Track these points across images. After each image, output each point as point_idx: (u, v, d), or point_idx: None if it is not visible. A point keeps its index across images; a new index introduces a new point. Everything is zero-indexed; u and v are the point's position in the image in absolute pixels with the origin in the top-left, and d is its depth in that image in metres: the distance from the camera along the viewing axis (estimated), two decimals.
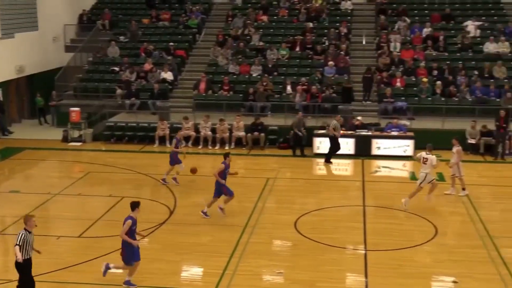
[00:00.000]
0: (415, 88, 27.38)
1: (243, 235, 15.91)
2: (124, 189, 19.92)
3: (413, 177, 21.43)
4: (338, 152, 23.67)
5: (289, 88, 27.67)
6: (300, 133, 24.09)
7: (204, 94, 27.96)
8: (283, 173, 21.93)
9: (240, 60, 29.82)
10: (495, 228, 16.39)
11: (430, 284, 13.45)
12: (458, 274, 13.69)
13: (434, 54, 29.40)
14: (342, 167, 23.25)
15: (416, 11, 32.96)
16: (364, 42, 31.22)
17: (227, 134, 25.09)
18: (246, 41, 31.16)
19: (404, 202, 17.89)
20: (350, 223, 16.95)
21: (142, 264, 13.12)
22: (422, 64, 28.46)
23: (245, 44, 30.84)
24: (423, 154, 18.29)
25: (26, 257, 11.74)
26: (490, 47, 29.19)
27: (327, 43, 30.56)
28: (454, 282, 13.38)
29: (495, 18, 31.96)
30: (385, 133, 24.33)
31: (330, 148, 23.35)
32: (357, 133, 24.23)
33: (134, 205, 12.99)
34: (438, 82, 27.02)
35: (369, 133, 24.41)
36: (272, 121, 26.25)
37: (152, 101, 27.59)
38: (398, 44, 29.83)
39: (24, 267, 11.81)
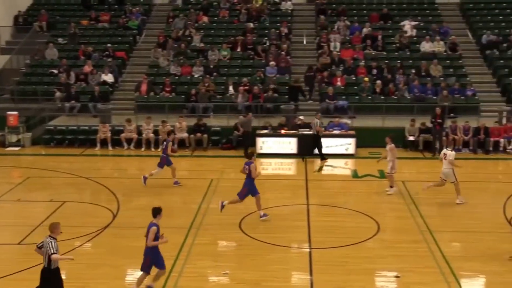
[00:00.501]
0: (355, 87, 27.82)
1: (188, 237, 15.84)
2: (66, 193, 19.57)
3: (355, 175, 21.77)
4: (282, 152, 23.87)
5: (231, 88, 27.70)
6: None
7: (145, 96, 27.71)
8: (227, 174, 21.92)
9: (181, 61, 29.68)
10: (434, 223, 16.80)
11: (374, 280, 13.67)
12: (400, 268, 13.96)
13: (373, 53, 29.93)
14: (285, 166, 23.42)
15: (355, 11, 33.51)
16: (304, 42, 31.53)
17: None
18: (187, 42, 31.04)
19: (459, 200, 18.24)
20: (294, 222, 17.08)
21: (86, 269, 12.91)
22: (362, 63, 28.95)
23: (186, 45, 30.72)
24: (444, 150, 18.73)
25: (55, 266, 11.37)
26: (426, 46, 29.91)
27: (268, 43, 30.73)
28: (397, 276, 13.65)
29: (430, 18, 32.80)
30: (327, 132, 24.61)
31: (318, 147, 23.53)
32: (300, 133, 24.42)
33: (156, 211, 12.49)
34: (378, 81, 27.52)
35: (311, 132, 24.62)
36: (215, 122, 26.23)
37: (92, 104, 27.17)
38: (338, 44, 30.24)
39: (54, 276, 11.43)
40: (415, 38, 30.89)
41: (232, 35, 31.60)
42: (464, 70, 29.13)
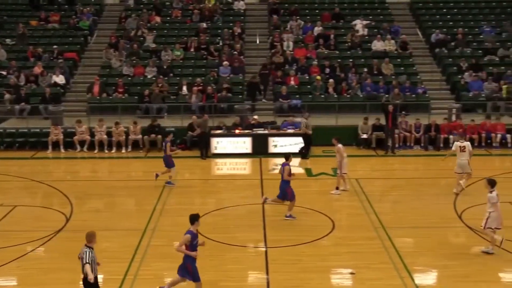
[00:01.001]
0: (308, 86, 28.02)
1: (143, 239, 15.71)
2: (17, 197, 19.20)
3: (310, 173, 21.92)
4: (237, 151, 23.90)
5: (184, 89, 27.59)
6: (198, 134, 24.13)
7: (98, 97, 27.37)
8: (182, 175, 21.81)
9: (134, 61, 29.42)
10: (388, 219, 17.04)
11: (329, 277, 13.78)
12: (355, 265, 14.10)
13: (325, 52, 30.19)
14: (240, 166, 23.44)
15: (307, 11, 33.75)
16: (258, 42, 31.61)
17: (123, 137, 24.67)
18: (140, 42, 30.78)
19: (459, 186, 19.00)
20: (250, 221, 17.10)
21: (39, 274, 12.68)
22: (315, 62, 29.18)
23: (138, 46, 30.46)
24: (457, 144, 19.10)
25: (94, 275, 11.18)
26: (377, 45, 30.32)
27: (221, 43, 30.72)
28: (352, 273, 13.79)
29: (381, 17, 33.28)
30: (281, 131, 24.72)
31: (305, 145, 23.72)
32: (254, 132, 24.48)
33: (194, 218, 12.21)
34: (331, 80, 27.78)
35: (266, 131, 24.72)
36: (169, 122, 26.07)
37: (43, 106, 26.70)
38: (291, 43, 30.43)
39: (93, 286, 11.25)
40: (366, 37, 31.28)
41: (185, 35, 31.48)
42: (414, 68, 29.65)
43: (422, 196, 18.96)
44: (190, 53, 30.34)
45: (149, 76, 28.61)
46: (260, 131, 24.58)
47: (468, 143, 19.40)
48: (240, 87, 28.30)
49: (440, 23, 32.74)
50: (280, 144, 24.27)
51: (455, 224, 16.76)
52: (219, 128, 24.74)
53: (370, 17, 33.00)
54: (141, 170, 22.72)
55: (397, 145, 24.66)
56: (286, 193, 17.00)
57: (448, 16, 33.53)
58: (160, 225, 16.73)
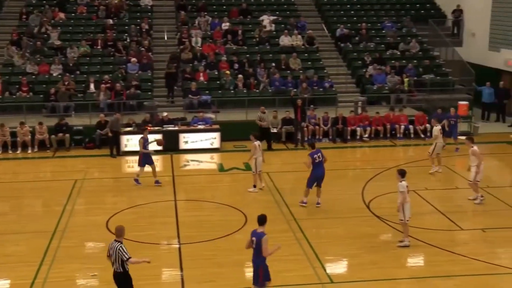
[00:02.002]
0: (218, 82, 28.10)
1: (52, 241, 15.35)
2: None
3: (221, 168, 22.03)
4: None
5: (92, 86, 27.04)
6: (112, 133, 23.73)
7: (0, 97, 26.40)
8: (91, 174, 21.44)
9: (38, 59, 28.55)
10: (299, 211, 17.40)
11: (244, 271, 13.92)
12: (268, 258, 14.22)
13: (234, 48, 30.35)
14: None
15: (214, 7, 33.77)
16: (166, 38, 31.37)
17: (29, 137, 23.91)
18: (43, 39, 29.90)
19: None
20: (163, 218, 17.04)
21: None
22: (224, 58, 29.28)
23: (42, 43, 29.57)
24: (437, 128, 21.00)
25: (127, 270, 11.28)
26: (285, 40, 30.76)
27: (128, 40, 30.30)
28: None
29: (288, 13, 33.75)
30: (191, 127, 24.70)
31: (264, 139, 23.56)
32: (164, 129, 24.32)
33: (265, 219, 11.93)
34: (240, 75, 27.97)
35: (176, 127, 24.62)
36: (77, 121, 25.50)
37: None
38: (199, 39, 30.38)
39: (129, 279, 11.36)
40: (274, 33, 31.66)
41: (91, 31, 30.83)
42: (321, 62, 30.29)
43: (331, 188, 19.40)
44: (97, 50, 29.74)
45: (54, 74, 27.83)
46: (171, 127, 24.46)
47: (436, 128, 21.06)
48: (149, 83, 28.02)
49: (344, 18, 33.59)
50: (191, 140, 24.25)
51: (363, 214, 17.31)
52: (128, 125, 24.41)
53: (277, 12, 33.42)
54: (49, 171, 22.14)
55: (306, 138, 25.14)
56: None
57: (352, 12, 34.44)
58: (70, 226, 16.40)
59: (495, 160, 23.10)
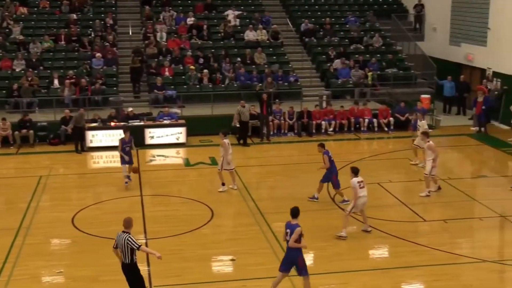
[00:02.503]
0: (183, 77, 28.06)
1: (17, 238, 15.24)
2: None
3: (187, 163, 22.06)
4: (113, 144, 23.55)
5: (56, 82, 26.78)
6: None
7: None
8: (56, 170, 21.29)
9: (0, 54, 28.16)
10: (265, 205, 17.53)
11: (211, 265, 14.04)
12: (235, 252, 14.44)
13: (199, 42, 30.33)
14: (117, 159, 23.03)
15: (179, 1, 33.69)
16: (130, 33, 31.19)
17: None
18: (5, 34, 29.48)
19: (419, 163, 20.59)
20: (129, 214, 16.78)
21: None
22: (189, 53, 29.24)
23: (4, 38, 29.16)
24: (424, 122, 21.12)
25: (135, 261, 11.44)
26: (250, 35, 30.83)
27: (93, 35, 30.06)
28: (232, 260, 14.12)
29: (252, 7, 33.85)
30: (157, 122, 24.65)
31: (242, 133, 24.02)
32: (130, 124, 24.21)
33: (297, 212, 12.35)
34: (205, 70, 27.98)
35: (142, 123, 24.55)
36: (41, 117, 25.23)
37: None
38: (164, 34, 30.29)
39: (137, 270, 11.57)
40: (239, 27, 31.72)
41: (54, 26, 30.49)
42: (286, 57, 30.45)
43: (297, 181, 19.63)
44: (61, 45, 29.43)
45: (17, 70, 27.47)
46: (136, 123, 24.38)
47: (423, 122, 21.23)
48: (114, 79, 27.87)
49: (309, 13, 33.80)
50: (157, 135, 24.22)
51: (329, 207, 17.53)
52: (94, 121, 24.28)
53: (242, 7, 33.47)
54: (12, 167, 21.91)
55: (271, 133, 25.29)
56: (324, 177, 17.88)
57: (316, 7, 34.66)
58: (35, 223, 16.29)
59: (456, 152, 23.56)
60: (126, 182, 18.98)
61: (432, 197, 18.36)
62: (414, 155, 21.28)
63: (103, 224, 16.20)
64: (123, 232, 11.41)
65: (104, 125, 24.11)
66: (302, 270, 12.15)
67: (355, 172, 15.26)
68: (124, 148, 19.07)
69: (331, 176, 17.67)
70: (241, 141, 24.26)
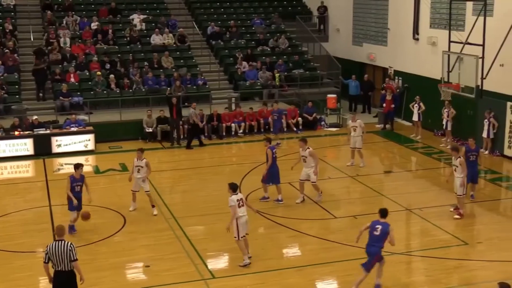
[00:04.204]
0: (90, 82, 27.51)
1: None
2: None
3: (97, 170, 21.66)
4: (18, 154, 22.91)
5: None
6: None
7: None
8: None
9: None
10: (178, 209, 17.49)
11: (125, 273, 13.86)
12: (149, 258, 14.32)
13: (105, 47, 29.82)
14: (21, 169, 22.42)
15: (82, 6, 33.02)
16: (32, 39, 30.25)
17: None
18: None
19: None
20: (38, 225, 16.53)
21: None
22: (95, 58, 28.69)
23: None
24: (350, 124, 21.22)
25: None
26: (156, 39, 30.60)
27: None
28: (146, 266, 13.99)
29: (158, 11, 33.62)
30: (64, 130, 24.07)
31: (190, 135, 24.08)
32: (35, 133, 23.54)
33: (387, 212, 12.77)
34: (112, 75, 27.55)
35: (48, 131, 23.90)
36: None
37: None
38: (68, 40, 29.58)
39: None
40: (145, 31, 31.42)
41: None
42: (193, 60, 30.43)
43: (209, 184, 19.67)
44: None
45: None
46: (42, 131, 23.70)
47: (360, 121, 21.39)
48: (16, 86, 26.97)
49: (215, 16, 33.94)
50: (64, 143, 23.64)
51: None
52: None
53: (147, 11, 33.17)
54: None
55: (182, 137, 25.21)
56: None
57: (222, 10, 34.84)
58: None
59: (363, 149, 24.23)
60: (72, 231, 15.86)
61: (342, 194, 18.88)
62: (361, 157, 21.47)
63: (10, 237, 15.70)
64: (58, 241, 11.00)
65: (7, 135, 23.29)
66: (370, 265, 12.66)
67: (233, 188, 13.76)
68: (73, 188, 15.78)
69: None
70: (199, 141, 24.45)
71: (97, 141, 24.01)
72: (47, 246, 11.06)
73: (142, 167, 17.11)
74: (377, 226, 12.55)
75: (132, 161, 17.63)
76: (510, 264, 14.05)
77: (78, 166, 15.94)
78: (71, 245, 10.97)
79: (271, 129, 26.46)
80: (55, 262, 11.00)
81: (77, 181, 15.79)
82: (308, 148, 17.73)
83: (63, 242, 11.00)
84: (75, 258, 10.98)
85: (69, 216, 15.86)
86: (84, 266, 13.66)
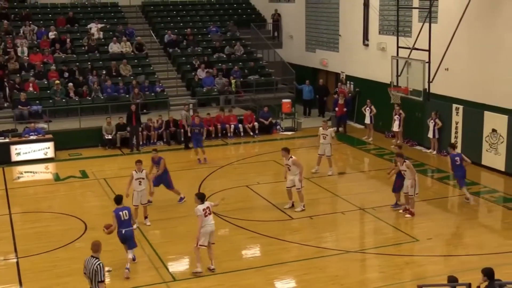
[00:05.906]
0: (48, 91, 27.61)
1: None
2: None
3: (57, 178, 21.81)
4: None
5: None
6: None
7: None
8: None
9: None
10: (139, 214, 17.58)
11: (85, 279, 14.06)
12: (111, 263, 14.47)
13: (63, 56, 29.91)
14: None
15: (40, 15, 33.05)
16: None
17: None
18: None
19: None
20: None
21: None
22: (53, 67, 28.78)
23: None
24: (320, 130, 21.18)
25: None
26: (114, 48, 30.83)
27: None
28: (109, 271, 14.20)
29: (115, 20, 33.83)
30: (23, 138, 24.16)
31: (185, 137, 24.55)
32: None
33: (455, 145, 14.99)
34: (70, 84, 27.70)
35: (7, 139, 23.96)
36: None
37: None
38: (25, 49, 29.62)
39: None
40: (103, 40, 31.62)
41: None
42: (151, 68, 30.75)
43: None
44: None
45: None
46: (1, 139, 23.75)
47: (331, 130, 21.91)
48: None
49: (171, 24, 34.33)
50: (24, 151, 23.74)
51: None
52: None
53: (105, 20, 33.37)
54: None
55: (141, 143, 25.52)
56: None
57: (178, 18, 35.26)
58: None
59: (317, 152, 24.84)
60: None
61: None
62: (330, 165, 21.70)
63: None
64: (92, 257, 10.95)
65: None
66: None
67: (201, 198, 13.91)
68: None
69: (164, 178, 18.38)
70: (190, 145, 24.69)
71: (56, 148, 24.18)
72: (85, 259, 11.13)
73: (143, 178, 16.95)
74: (456, 158, 17.06)
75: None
76: (457, 258, 14.77)
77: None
78: (98, 265, 10.73)
79: (229, 134, 26.94)
80: (87, 276, 10.96)
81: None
82: (291, 157, 17.81)
83: (93, 259, 10.89)
84: (101, 279, 10.72)
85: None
86: (45, 273, 14.04)
